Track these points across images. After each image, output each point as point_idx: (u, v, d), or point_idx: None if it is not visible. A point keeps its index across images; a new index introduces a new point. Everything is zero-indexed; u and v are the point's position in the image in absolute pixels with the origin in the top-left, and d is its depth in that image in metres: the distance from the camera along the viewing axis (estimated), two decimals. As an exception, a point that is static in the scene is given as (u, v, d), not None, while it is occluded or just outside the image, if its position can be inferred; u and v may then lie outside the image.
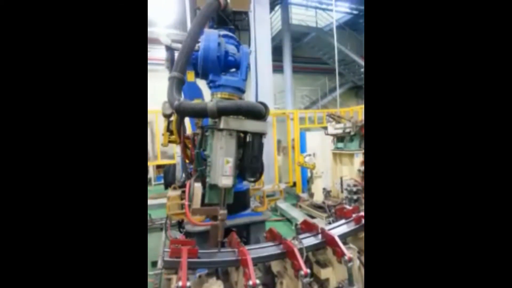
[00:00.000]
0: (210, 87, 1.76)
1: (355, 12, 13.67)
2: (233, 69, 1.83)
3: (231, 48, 1.80)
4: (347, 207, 1.99)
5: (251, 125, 1.60)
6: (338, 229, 1.80)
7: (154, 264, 3.03)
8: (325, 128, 5.26)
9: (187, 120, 2.23)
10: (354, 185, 4.00)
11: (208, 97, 1.87)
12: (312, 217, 4.13)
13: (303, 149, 5.90)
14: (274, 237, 1.70)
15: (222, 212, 1.59)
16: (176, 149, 2.94)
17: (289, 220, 4.55)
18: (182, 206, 3.47)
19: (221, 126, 1.54)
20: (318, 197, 4.50)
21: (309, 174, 4.72)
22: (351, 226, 1.80)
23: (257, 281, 1.21)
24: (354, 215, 1.86)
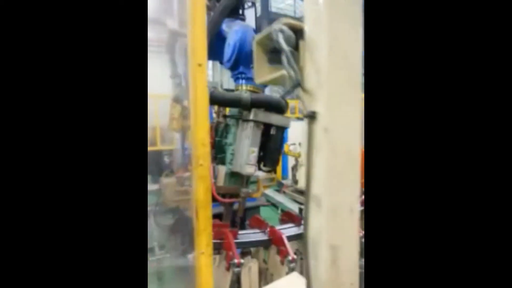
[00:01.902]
0: (237, 78, 1.82)
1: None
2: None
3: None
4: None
5: (276, 119, 1.73)
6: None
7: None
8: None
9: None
10: (337, 173, 4.35)
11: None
12: (297, 201, 4.43)
13: (284, 138, 6.13)
14: (293, 219, 1.88)
15: (245, 190, 1.73)
16: (176, 136, 2.95)
17: (273, 204, 4.81)
18: (179, 193, 3.51)
19: (251, 117, 1.65)
20: (302, 184, 4.81)
21: (294, 162, 4.99)
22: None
23: (295, 256, 1.38)
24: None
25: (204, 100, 0.93)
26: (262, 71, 0.75)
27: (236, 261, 1.30)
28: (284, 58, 0.66)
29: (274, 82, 0.79)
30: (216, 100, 1.64)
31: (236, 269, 1.29)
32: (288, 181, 5.22)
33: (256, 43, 0.74)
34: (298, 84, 0.70)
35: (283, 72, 0.69)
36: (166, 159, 4.32)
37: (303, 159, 5.02)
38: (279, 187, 5.24)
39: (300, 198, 4.59)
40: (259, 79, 0.76)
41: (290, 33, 0.68)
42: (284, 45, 0.66)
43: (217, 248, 1.45)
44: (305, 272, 0.84)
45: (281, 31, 0.67)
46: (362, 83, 0.86)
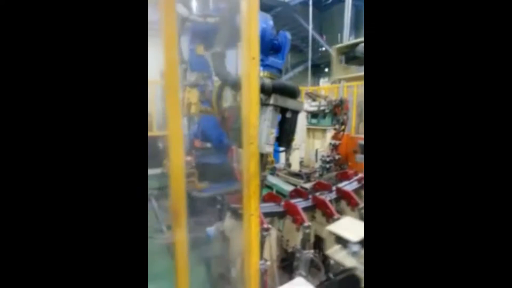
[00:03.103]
0: (254, 65, 1.98)
1: (319, -10, 13.98)
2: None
3: (273, 32, 2.03)
4: (350, 171, 2.52)
5: (293, 104, 1.92)
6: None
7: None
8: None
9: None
10: (328, 156, 4.65)
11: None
12: (291, 183, 4.72)
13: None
14: (301, 194, 2.13)
15: (263, 174, 1.93)
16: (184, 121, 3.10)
17: (268, 186, 5.08)
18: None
19: (271, 101, 1.83)
20: (295, 167, 5.08)
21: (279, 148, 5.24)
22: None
23: (310, 223, 1.62)
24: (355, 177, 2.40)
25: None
26: (338, 70, 0.93)
27: (265, 226, 1.52)
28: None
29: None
30: (238, 85, 1.79)
31: (265, 233, 1.51)
32: (281, 165, 5.48)
33: (337, 49, 0.92)
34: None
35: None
36: (160, 145, 4.40)
37: (295, 144, 5.30)
38: (273, 171, 5.49)
39: (293, 179, 4.89)
40: (336, 76, 0.95)
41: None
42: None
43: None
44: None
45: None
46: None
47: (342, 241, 1.39)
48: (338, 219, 1.74)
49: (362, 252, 1.30)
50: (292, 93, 1.91)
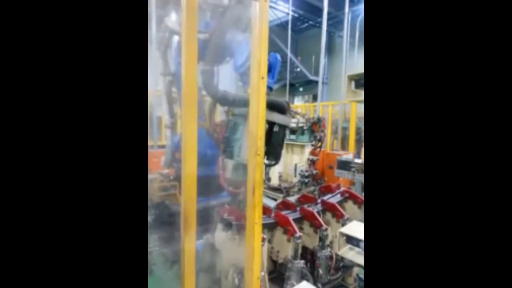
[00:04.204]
0: (247, 83, 2.09)
1: (295, 14, 14.86)
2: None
3: (266, 53, 2.17)
4: (333, 184, 2.66)
5: (279, 118, 2.03)
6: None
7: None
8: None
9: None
10: (306, 171, 4.83)
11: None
12: (270, 197, 4.79)
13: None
14: (288, 206, 2.21)
15: None
16: (166, 132, 3.09)
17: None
18: (164, 188, 3.60)
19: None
20: (275, 181, 5.19)
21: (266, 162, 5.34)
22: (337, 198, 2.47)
23: (301, 234, 1.70)
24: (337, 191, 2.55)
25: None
26: (348, 93, 1.05)
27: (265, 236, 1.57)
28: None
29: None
30: (228, 101, 1.88)
31: (262, 243, 1.56)
32: (259, 179, 5.55)
33: (348, 76, 1.04)
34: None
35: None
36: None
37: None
38: (251, 184, 5.53)
39: (272, 193, 4.97)
40: (347, 98, 1.06)
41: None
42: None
43: (238, 229, 1.70)
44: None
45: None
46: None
47: (353, 241, 1.49)
48: (347, 219, 1.86)
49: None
50: (280, 108, 2.03)
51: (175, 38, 2.91)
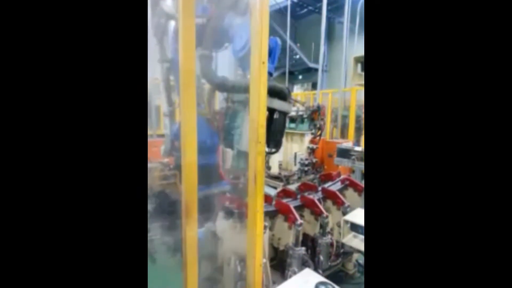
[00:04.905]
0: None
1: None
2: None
3: (266, 38, 2.11)
4: (333, 172, 2.66)
5: (280, 105, 1.99)
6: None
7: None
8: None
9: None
10: (306, 159, 4.83)
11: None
12: (271, 186, 4.81)
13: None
14: (289, 194, 2.21)
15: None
16: (165, 121, 3.06)
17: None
18: (164, 177, 3.60)
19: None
20: (275, 169, 5.20)
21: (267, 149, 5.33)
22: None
23: (302, 221, 1.70)
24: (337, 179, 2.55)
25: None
26: (355, 76, 1.02)
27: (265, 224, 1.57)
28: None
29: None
30: (227, 87, 1.83)
31: (264, 231, 1.56)
32: (259, 167, 5.56)
33: (354, 58, 1.01)
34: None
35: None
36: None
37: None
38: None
39: (273, 182, 4.99)
40: (353, 82, 1.03)
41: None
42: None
43: (240, 217, 1.70)
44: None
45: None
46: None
47: (357, 228, 1.50)
48: (348, 207, 1.86)
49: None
50: (280, 95, 1.98)
51: (172, 23, 2.83)
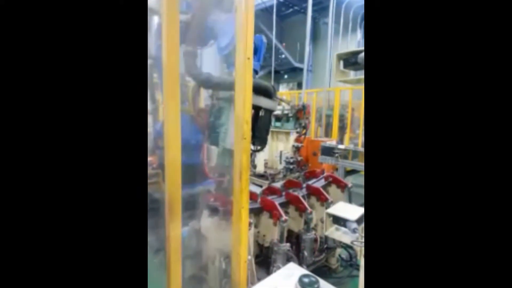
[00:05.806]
0: (231, 65, 2.03)
1: (280, -1, 14.56)
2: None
3: (251, 36, 2.11)
4: (317, 170, 2.70)
5: (265, 102, 2.00)
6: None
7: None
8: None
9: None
10: (291, 158, 4.88)
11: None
12: (257, 184, 4.82)
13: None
14: (274, 191, 2.23)
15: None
16: (148, 119, 2.99)
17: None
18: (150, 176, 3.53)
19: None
20: (260, 168, 5.21)
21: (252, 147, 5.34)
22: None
23: (287, 218, 1.72)
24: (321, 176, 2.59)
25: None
26: (337, 73, 1.04)
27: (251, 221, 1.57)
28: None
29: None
30: (211, 84, 1.82)
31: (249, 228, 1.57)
32: (245, 166, 5.56)
33: (337, 55, 1.03)
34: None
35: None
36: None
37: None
38: (237, 171, 5.54)
39: (259, 180, 5.01)
40: (336, 78, 1.05)
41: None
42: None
43: (225, 215, 1.70)
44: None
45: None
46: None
47: (340, 221, 1.53)
48: (331, 203, 1.90)
49: (360, 228, 1.47)
50: (266, 92, 1.99)
51: (155, 19, 2.77)
